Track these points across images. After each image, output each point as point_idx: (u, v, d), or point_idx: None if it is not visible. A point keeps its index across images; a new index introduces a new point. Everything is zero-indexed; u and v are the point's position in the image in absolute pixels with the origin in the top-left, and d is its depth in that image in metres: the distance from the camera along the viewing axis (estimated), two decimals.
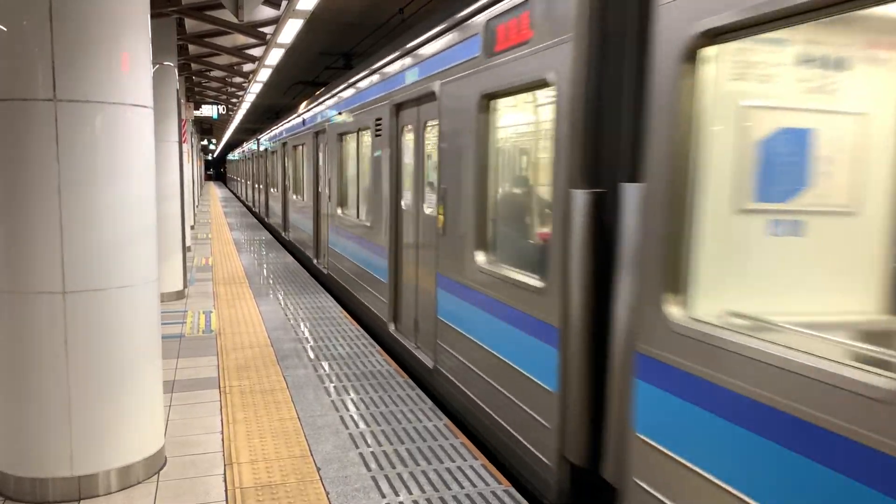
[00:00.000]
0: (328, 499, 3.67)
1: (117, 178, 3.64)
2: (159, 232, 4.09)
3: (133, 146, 3.71)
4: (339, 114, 9.30)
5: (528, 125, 4.51)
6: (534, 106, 4.27)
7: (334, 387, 5.52)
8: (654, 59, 2.80)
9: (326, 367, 6.07)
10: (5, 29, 3.43)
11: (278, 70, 13.38)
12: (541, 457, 3.75)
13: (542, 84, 3.70)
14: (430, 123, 5.69)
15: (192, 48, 12.45)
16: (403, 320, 6.61)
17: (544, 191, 4.01)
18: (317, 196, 11.47)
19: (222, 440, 4.43)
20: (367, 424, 4.73)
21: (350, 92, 8.75)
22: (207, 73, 15.81)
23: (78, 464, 3.63)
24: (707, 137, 2.66)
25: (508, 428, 4.15)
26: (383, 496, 3.71)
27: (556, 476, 3.60)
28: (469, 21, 4.68)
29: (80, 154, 3.51)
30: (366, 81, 7.91)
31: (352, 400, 5.22)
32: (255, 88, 16.60)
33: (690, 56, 2.62)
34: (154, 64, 4.09)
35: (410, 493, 3.76)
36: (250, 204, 28.23)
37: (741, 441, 2.38)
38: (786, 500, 2.22)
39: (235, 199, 37.85)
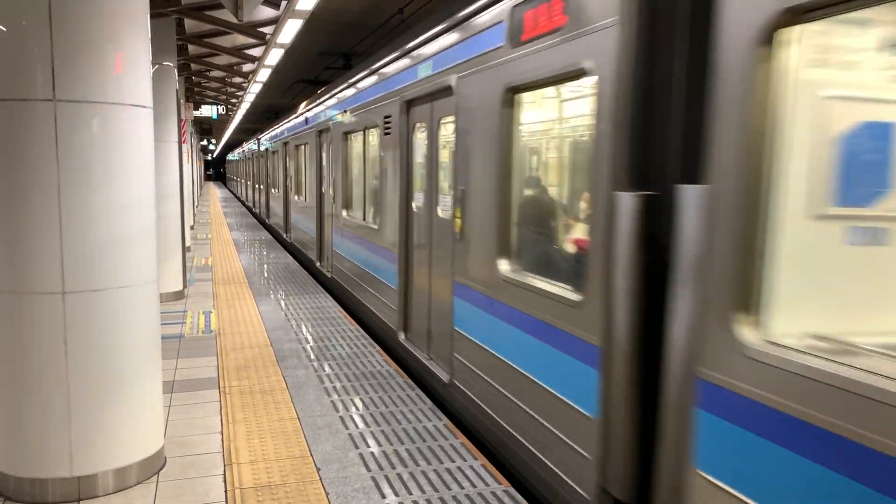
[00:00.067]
0: (328, 499, 3.67)
1: (117, 179, 3.64)
2: (159, 232, 4.09)
3: (132, 146, 3.70)
4: (345, 112, 8.95)
5: (560, 121, 4.18)
6: (567, 99, 3.97)
7: (334, 387, 5.52)
8: (720, 42, 2.44)
9: (326, 367, 6.07)
10: (5, 29, 3.43)
11: (278, 70, 13.38)
12: (576, 487, 3.42)
13: (578, 74, 3.36)
14: (445, 120, 5.37)
15: (191, 48, 12.45)
16: (414, 329, 6.25)
17: (580, 193, 3.74)
18: (320, 197, 11.09)
19: (222, 440, 4.42)
20: (366, 425, 4.73)
21: (356, 89, 8.42)
22: (207, 73, 15.81)
23: (77, 464, 3.63)
24: (784, 132, 2.33)
25: (537, 453, 3.81)
26: (383, 496, 3.71)
27: None
28: (492, 8, 4.30)
29: (79, 154, 3.51)
30: (373, 77, 7.57)
31: (351, 400, 5.22)
32: (254, 89, 16.59)
33: (767, 38, 2.28)
34: (153, 64, 4.09)
35: (410, 493, 3.76)
36: (250, 204, 28.13)
37: (829, 485, 2.07)
38: None
39: (235, 200, 37.84)
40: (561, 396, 3.57)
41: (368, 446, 4.36)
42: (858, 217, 2.31)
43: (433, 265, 5.68)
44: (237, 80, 16.72)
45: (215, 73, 15.93)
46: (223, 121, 27.97)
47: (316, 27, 12.50)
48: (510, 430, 4.14)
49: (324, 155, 10.71)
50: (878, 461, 1.90)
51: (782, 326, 2.33)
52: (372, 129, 7.66)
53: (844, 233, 2.34)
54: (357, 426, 4.69)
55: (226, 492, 3.74)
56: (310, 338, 7.10)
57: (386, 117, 6.80)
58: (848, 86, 2.37)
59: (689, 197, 2.62)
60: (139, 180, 3.76)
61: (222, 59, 13.78)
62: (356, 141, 8.68)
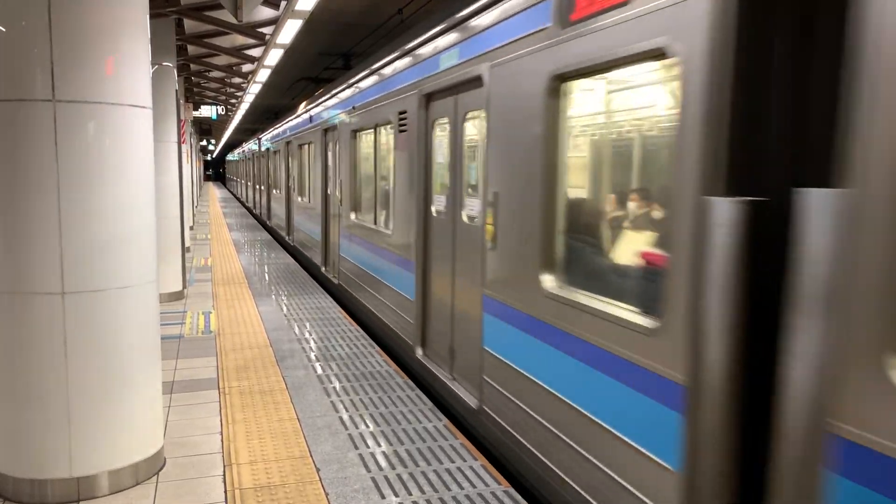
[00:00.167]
0: (328, 499, 3.66)
1: (116, 179, 3.64)
2: (158, 232, 4.09)
3: (132, 147, 3.70)
4: (353, 108, 8.42)
5: (624, 111, 3.60)
6: (632, 86, 3.43)
7: (334, 387, 5.51)
8: (868, 10, 1.94)
9: (326, 367, 6.06)
10: (4, 29, 3.43)
11: (277, 70, 13.38)
12: None
13: (653, 56, 2.85)
14: (472, 114, 4.86)
15: (191, 48, 12.45)
16: (434, 345, 5.72)
17: (651, 197, 3.25)
18: (325, 199, 10.58)
19: (222, 441, 4.42)
20: (366, 425, 4.72)
21: (366, 83, 7.89)
22: (206, 73, 15.81)
23: (77, 465, 3.63)
24: None
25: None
26: (383, 497, 3.71)
27: None
28: None
29: (78, 155, 3.51)
30: (387, 70, 7.01)
31: (351, 400, 5.21)
32: (254, 89, 16.59)
33: None
34: (153, 64, 4.10)
35: (410, 493, 3.76)
36: (250, 205, 28.02)
37: None
38: None
39: (235, 200, 37.84)
40: (628, 440, 3.00)
41: (368, 447, 4.36)
42: None
43: (457, 276, 5.16)
44: (237, 80, 16.72)
45: (215, 74, 15.93)
46: (223, 121, 28.00)
47: (315, 27, 12.51)
48: (558, 471, 3.59)
49: (329, 154, 10.24)
50: None
51: None
52: (384, 127, 7.21)
53: None
54: (357, 426, 4.69)
55: (225, 492, 3.74)
56: (309, 338, 7.10)
57: (401, 113, 6.29)
58: None
59: (819, 204, 2.09)
60: (138, 181, 3.76)
61: (222, 60, 13.78)
62: (366, 139, 8.20)
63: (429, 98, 5.67)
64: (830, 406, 2.05)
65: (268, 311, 8.41)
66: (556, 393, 3.61)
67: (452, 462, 4.15)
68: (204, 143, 42.27)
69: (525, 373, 3.94)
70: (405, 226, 6.26)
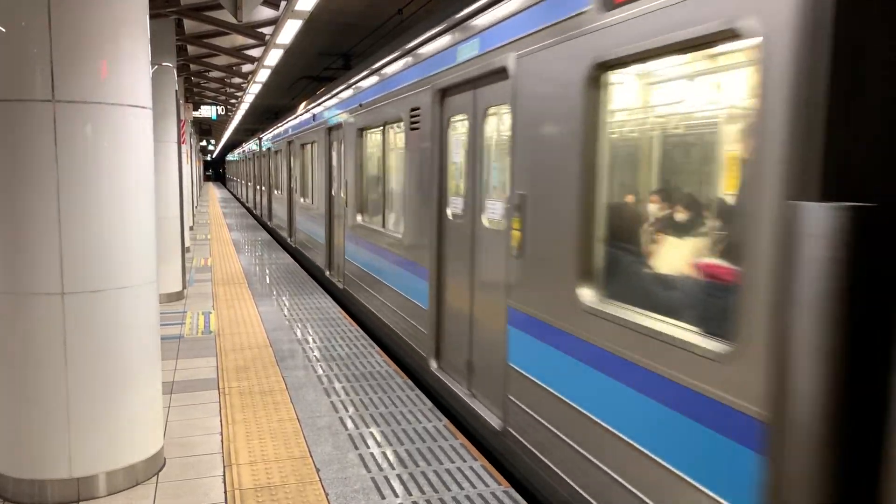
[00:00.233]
0: (328, 500, 3.66)
1: (116, 179, 3.63)
2: (158, 233, 4.08)
3: (132, 147, 3.70)
4: (360, 106, 8.03)
5: (680, 102, 3.24)
6: (696, 73, 3.01)
7: (333, 388, 5.51)
8: None
9: (326, 367, 6.06)
10: (4, 30, 3.43)
11: (277, 71, 13.38)
12: None
13: (723, 37, 2.49)
14: (494, 110, 4.51)
15: (190, 49, 12.46)
16: (450, 357, 5.35)
17: (713, 201, 2.92)
18: (329, 200, 10.20)
19: (221, 441, 4.42)
20: (366, 425, 4.72)
21: (374, 80, 7.48)
22: (206, 73, 15.82)
23: (77, 465, 3.63)
24: None
25: None
26: (383, 497, 3.71)
27: None
28: None
29: (78, 155, 3.51)
30: (397, 65, 6.60)
31: (351, 401, 5.21)
32: (253, 89, 16.60)
33: None
34: (153, 65, 4.09)
35: (410, 494, 3.75)
36: (251, 206, 27.91)
37: None
38: None
39: (235, 201, 37.84)
40: (688, 478, 2.63)
41: (368, 447, 4.36)
42: None
43: (476, 284, 4.79)
44: (236, 80, 16.73)
45: (215, 74, 15.94)
46: (222, 121, 28.00)
47: (315, 28, 12.51)
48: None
49: (334, 154, 9.89)
50: None
51: None
52: (394, 125, 6.88)
53: None
54: (357, 427, 4.69)
55: (225, 493, 3.74)
56: (309, 338, 7.10)
57: (413, 110, 5.93)
58: None
59: None
60: (138, 181, 3.76)
61: (222, 60, 13.79)
62: (374, 138, 7.88)
63: (444, 93, 5.32)
64: None
65: (267, 311, 8.41)
66: (597, 419, 3.20)
67: (452, 462, 4.15)
68: (204, 143, 42.28)
69: (559, 395, 3.56)
70: (417, 229, 5.92)
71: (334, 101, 9.75)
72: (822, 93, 2.07)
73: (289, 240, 14.90)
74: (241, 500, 3.65)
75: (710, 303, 2.74)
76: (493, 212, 4.53)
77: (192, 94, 19.51)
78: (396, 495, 3.73)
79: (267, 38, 10.48)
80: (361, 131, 8.14)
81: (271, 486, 3.80)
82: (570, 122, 3.37)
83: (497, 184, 4.54)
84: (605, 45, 3.09)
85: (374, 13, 12.40)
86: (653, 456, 2.82)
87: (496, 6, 4.30)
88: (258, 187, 23.77)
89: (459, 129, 5.14)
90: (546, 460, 3.69)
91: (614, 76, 3.21)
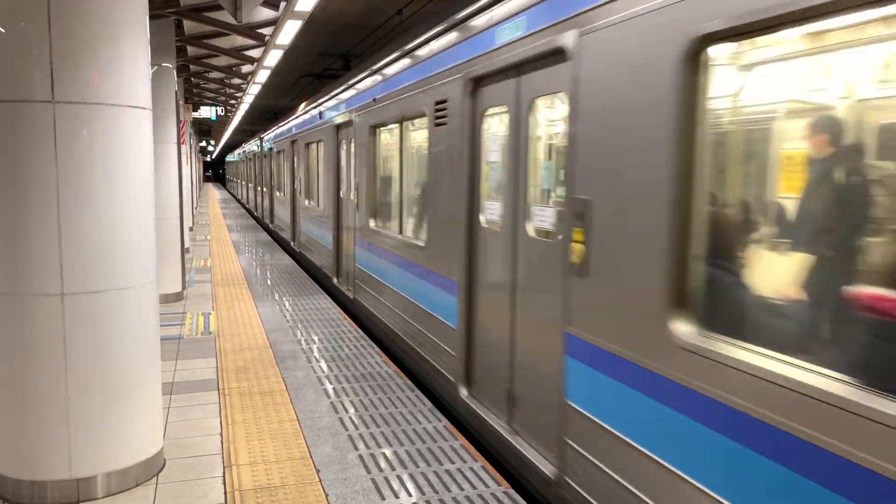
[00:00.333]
0: (328, 500, 3.66)
1: (116, 180, 3.63)
2: (158, 233, 4.09)
3: (131, 148, 3.70)
4: (374, 101, 7.40)
5: (825, 82, 2.44)
6: (842, 42, 2.27)
7: (333, 388, 5.51)
8: None
9: (325, 368, 6.06)
10: (3, 30, 3.43)
11: (277, 71, 13.39)
12: None
13: None
14: (544, 100, 3.96)
15: (190, 49, 12.46)
16: (484, 385, 4.75)
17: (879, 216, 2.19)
18: (338, 203, 9.59)
19: (221, 442, 4.42)
20: (366, 426, 4.72)
21: (391, 71, 6.84)
22: (206, 74, 15.82)
23: (76, 466, 3.62)
24: None
25: None
26: (383, 498, 3.71)
27: None
28: None
29: (78, 156, 3.51)
30: (418, 54, 5.95)
31: (351, 401, 5.21)
32: (253, 90, 16.61)
33: None
34: (152, 65, 4.09)
35: (410, 495, 3.75)
36: (251, 208, 27.66)
37: None
38: None
39: (234, 202, 37.85)
40: None
41: (368, 448, 4.35)
42: None
43: (520, 303, 4.18)
44: (236, 81, 16.74)
45: (214, 75, 15.94)
46: (222, 122, 28.02)
47: (315, 28, 12.52)
48: None
49: (343, 153, 9.30)
50: None
51: None
52: (414, 121, 6.34)
53: None
54: (357, 427, 4.69)
55: (225, 493, 3.74)
56: (309, 339, 7.09)
57: (438, 103, 5.31)
58: None
59: None
60: (138, 182, 3.76)
61: (221, 61, 13.79)
62: (390, 135, 7.24)
63: (477, 83, 4.70)
64: None
65: (267, 311, 8.41)
66: (699, 485, 2.59)
67: (453, 463, 4.15)
68: (203, 144, 42.30)
69: (644, 449, 2.91)
70: (443, 238, 5.28)
71: (343, 96, 9.18)
72: None
73: (292, 243, 14.41)
74: (241, 501, 3.65)
75: (879, 349, 2.10)
76: (543, 219, 3.92)
77: (192, 95, 19.52)
78: (396, 496, 3.73)
79: (266, 38, 10.48)
80: (375, 129, 7.58)
81: (271, 487, 3.80)
82: (657, 111, 2.75)
83: (547, 187, 3.98)
84: (714, 11, 2.44)
85: (373, 14, 12.41)
86: None
87: None
88: (259, 188, 23.52)
89: (497, 123, 4.55)
90: None
91: (723, 51, 2.57)
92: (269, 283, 10.58)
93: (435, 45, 5.49)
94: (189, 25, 10.35)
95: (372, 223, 7.68)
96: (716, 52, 2.59)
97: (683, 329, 2.67)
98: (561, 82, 3.60)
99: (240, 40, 11.53)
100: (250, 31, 10.41)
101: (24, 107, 3.43)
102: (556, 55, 3.61)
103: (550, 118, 4.00)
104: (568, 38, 3.43)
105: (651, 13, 2.80)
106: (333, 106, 9.82)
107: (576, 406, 3.43)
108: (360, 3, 11.91)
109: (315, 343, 6.94)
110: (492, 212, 4.59)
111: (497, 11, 4.31)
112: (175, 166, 9.39)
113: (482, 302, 4.76)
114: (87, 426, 3.64)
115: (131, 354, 3.77)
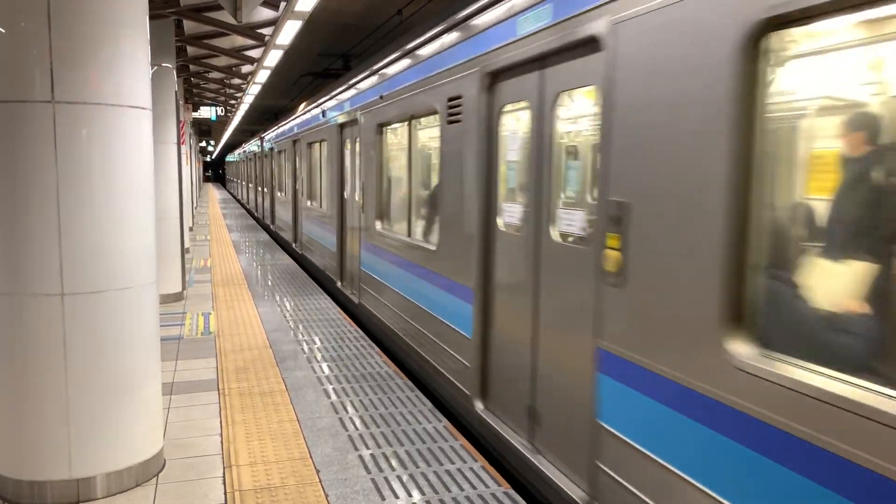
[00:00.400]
0: (328, 501, 3.66)
1: (116, 180, 3.63)
2: (158, 233, 4.09)
3: (131, 148, 3.70)
4: (381, 98, 7.15)
5: None
6: None
7: (333, 388, 5.51)
8: None
9: (325, 368, 6.06)
10: (3, 30, 3.43)
11: (277, 71, 13.40)
12: None
13: None
14: (571, 94, 3.68)
15: (190, 49, 12.46)
16: (502, 399, 4.47)
17: None
18: (342, 204, 9.38)
19: (221, 442, 4.42)
20: (366, 426, 4.72)
21: (399, 67, 6.56)
22: (206, 74, 15.82)
23: (76, 466, 3.62)
24: None
25: None
26: (383, 498, 3.70)
27: None
28: None
29: (78, 156, 3.51)
30: (429, 49, 5.65)
31: (351, 402, 5.21)
32: (253, 90, 16.61)
33: None
34: (152, 65, 4.09)
35: (410, 495, 3.75)
36: (252, 208, 27.55)
37: None
38: None
39: (234, 202, 37.85)
40: None
41: (368, 448, 4.35)
42: None
43: (543, 312, 3.92)
44: (236, 81, 16.74)
45: (214, 75, 15.94)
46: (222, 122, 28.03)
47: (315, 28, 12.52)
48: None
49: (347, 153, 9.01)
50: None
51: None
52: (424, 118, 6.12)
53: None
54: (357, 428, 4.69)
55: (225, 494, 3.73)
56: (309, 339, 7.09)
57: (451, 99, 5.07)
58: None
59: None
60: (138, 182, 3.76)
61: (221, 61, 13.79)
62: (398, 134, 7.04)
63: (495, 77, 4.45)
64: None
65: (267, 312, 8.41)
66: None
67: (453, 463, 4.15)
68: (203, 144, 42.31)
69: (694, 481, 2.62)
70: (457, 241, 5.02)
71: (348, 94, 8.90)
72: None
73: (293, 245, 14.16)
74: (241, 501, 3.65)
75: None
76: (570, 223, 3.65)
77: (192, 95, 19.52)
78: (397, 496, 3.73)
79: (266, 38, 10.48)
80: (382, 127, 7.32)
81: (271, 488, 3.80)
82: (712, 105, 2.47)
83: (575, 188, 3.73)
84: None
85: (373, 14, 12.42)
86: None
87: None
88: (260, 189, 23.34)
89: (516, 120, 4.30)
90: None
91: (789, 37, 2.29)
92: (269, 283, 10.58)
93: (448, 39, 5.21)
94: (189, 25, 10.35)
95: (378, 225, 7.43)
96: (782, 37, 2.30)
97: (741, 348, 2.39)
98: (591, 74, 3.34)
99: (240, 40, 11.53)
100: (250, 31, 10.41)
101: (24, 107, 3.43)
102: (587, 45, 3.33)
103: (580, 113, 3.71)
104: (601, 26, 3.15)
105: None
106: (337, 104, 9.57)
107: (610, 428, 3.14)
108: (360, 3, 11.92)
109: (315, 343, 6.94)
110: (511, 214, 4.33)
111: (518, 0, 4.04)
112: (175, 166, 9.39)
113: (499, 310, 4.47)
114: (87, 426, 3.64)
115: (131, 354, 3.77)
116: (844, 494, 1.98)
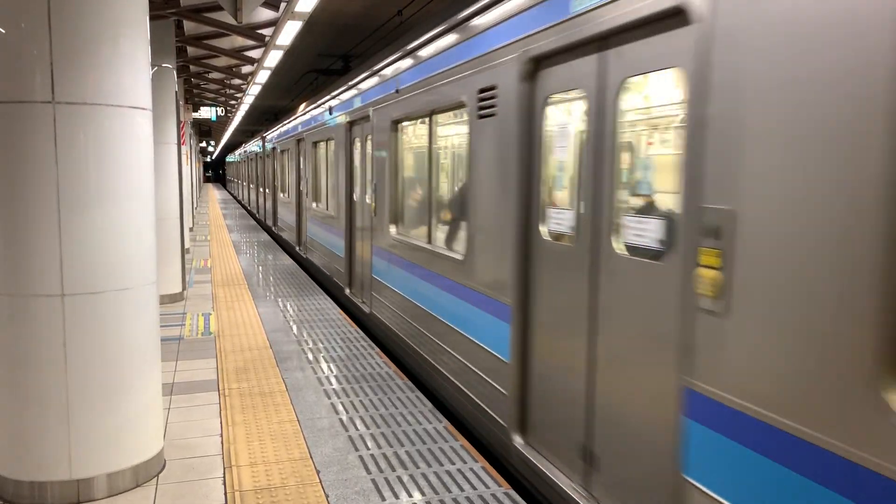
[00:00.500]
0: (328, 501, 3.66)
1: (116, 181, 3.63)
2: (158, 234, 4.08)
3: (131, 148, 3.70)
4: (396, 92, 6.59)
5: None
6: None
7: (334, 389, 5.51)
8: None
9: (326, 368, 6.06)
10: (3, 31, 3.43)
11: (277, 72, 13.40)
12: None
13: None
14: (641, 79, 3.14)
15: (190, 50, 12.47)
16: (546, 435, 3.91)
17: None
18: (350, 207, 8.87)
19: (222, 443, 4.41)
20: (366, 427, 4.72)
21: (418, 58, 6.02)
22: (206, 74, 15.83)
23: (77, 467, 3.62)
24: None
25: None
26: (383, 499, 3.70)
27: None
28: None
29: (78, 156, 3.51)
30: (454, 36, 5.10)
31: (351, 402, 5.21)
32: (253, 90, 16.61)
33: None
34: (152, 66, 4.09)
35: (411, 496, 3.75)
36: (253, 209, 27.40)
37: None
38: None
39: (235, 202, 37.84)
40: None
41: (368, 448, 4.35)
42: None
43: (604, 339, 3.35)
44: (236, 81, 16.74)
45: (214, 75, 15.95)
46: (222, 122, 28.01)
47: (315, 29, 12.53)
48: None
49: (357, 152, 8.52)
50: None
51: None
52: (445, 114, 5.62)
53: None
54: (357, 428, 4.68)
55: (225, 494, 3.73)
56: (309, 340, 7.09)
57: (483, 91, 4.52)
58: None
59: None
60: (138, 182, 3.76)
61: (221, 61, 13.80)
62: (416, 131, 6.54)
63: (538, 63, 3.90)
64: None
65: (267, 312, 8.41)
66: None
67: (453, 464, 4.15)
68: (203, 144, 42.31)
69: None
70: (490, 251, 4.48)
71: (358, 90, 8.34)
72: None
73: (297, 248, 13.64)
74: (242, 502, 3.65)
75: None
76: (641, 233, 3.09)
77: (192, 96, 19.53)
78: (397, 497, 3.73)
79: (267, 39, 10.49)
80: (397, 123, 6.75)
81: (271, 488, 3.80)
82: (864, 85, 1.93)
83: (646, 192, 3.24)
84: None
85: (373, 14, 12.42)
86: None
87: None
88: (261, 189, 23.03)
89: (566, 112, 3.78)
90: None
91: None
92: (269, 283, 10.57)
93: (478, 23, 4.62)
94: (189, 26, 10.36)
95: (393, 230, 6.85)
96: None
97: None
98: (676, 54, 2.75)
99: (240, 41, 11.54)
100: (250, 31, 10.42)
101: (24, 107, 3.42)
102: (671, 18, 2.78)
103: (654, 102, 3.20)
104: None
105: None
106: (346, 101, 8.97)
107: (703, 487, 2.58)
108: (360, 3, 11.92)
109: (315, 343, 6.94)
110: (559, 222, 3.76)
111: None
112: (175, 167, 9.39)
113: (543, 332, 3.93)
114: (88, 426, 3.63)
115: (131, 355, 3.77)
116: None
